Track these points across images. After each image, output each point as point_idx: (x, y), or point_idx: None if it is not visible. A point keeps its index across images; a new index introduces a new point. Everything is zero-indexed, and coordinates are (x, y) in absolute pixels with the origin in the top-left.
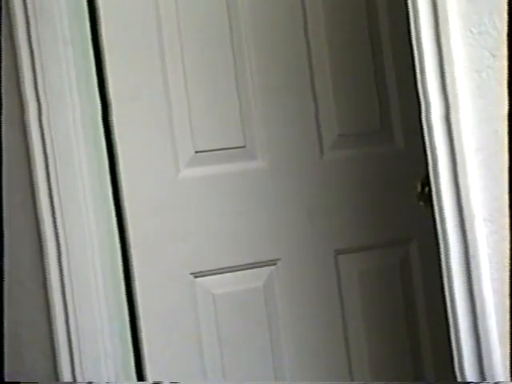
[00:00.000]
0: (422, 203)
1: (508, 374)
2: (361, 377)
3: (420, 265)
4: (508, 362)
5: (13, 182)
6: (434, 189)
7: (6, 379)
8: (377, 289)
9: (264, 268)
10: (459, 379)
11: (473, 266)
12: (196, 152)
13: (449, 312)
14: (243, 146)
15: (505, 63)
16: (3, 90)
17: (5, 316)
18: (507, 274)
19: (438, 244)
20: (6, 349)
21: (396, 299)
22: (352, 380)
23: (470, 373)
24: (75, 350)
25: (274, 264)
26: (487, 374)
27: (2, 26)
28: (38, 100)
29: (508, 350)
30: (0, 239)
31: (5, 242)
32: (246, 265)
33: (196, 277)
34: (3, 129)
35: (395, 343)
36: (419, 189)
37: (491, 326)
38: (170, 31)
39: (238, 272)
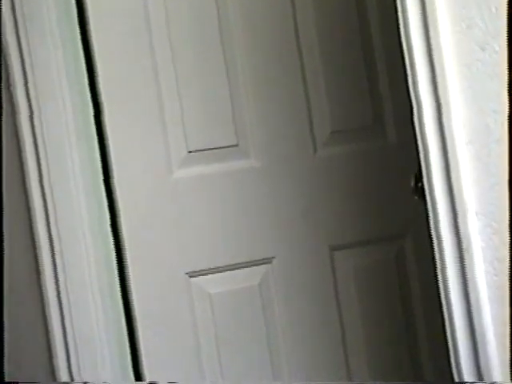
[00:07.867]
0: (416, 197)
1: (508, 375)
2: (358, 375)
3: (416, 259)
4: (508, 364)
5: (6, 183)
6: (426, 182)
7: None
8: (373, 284)
9: (259, 266)
10: (456, 379)
11: (466, 259)
12: (189, 152)
13: (444, 306)
14: (236, 145)
15: (497, 57)
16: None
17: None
18: (500, 266)
19: (431, 238)
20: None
21: (392, 294)
22: (350, 379)
23: (468, 372)
24: (72, 351)
25: (270, 262)
26: (484, 374)
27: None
28: (30, 102)
29: (508, 351)
30: (0, 240)
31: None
32: (241, 263)
33: (191, 276)
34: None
35: (392, 339)
36: (413, 183)
37: (486, 319)
38: (160, 31)
39: (234, 271)
